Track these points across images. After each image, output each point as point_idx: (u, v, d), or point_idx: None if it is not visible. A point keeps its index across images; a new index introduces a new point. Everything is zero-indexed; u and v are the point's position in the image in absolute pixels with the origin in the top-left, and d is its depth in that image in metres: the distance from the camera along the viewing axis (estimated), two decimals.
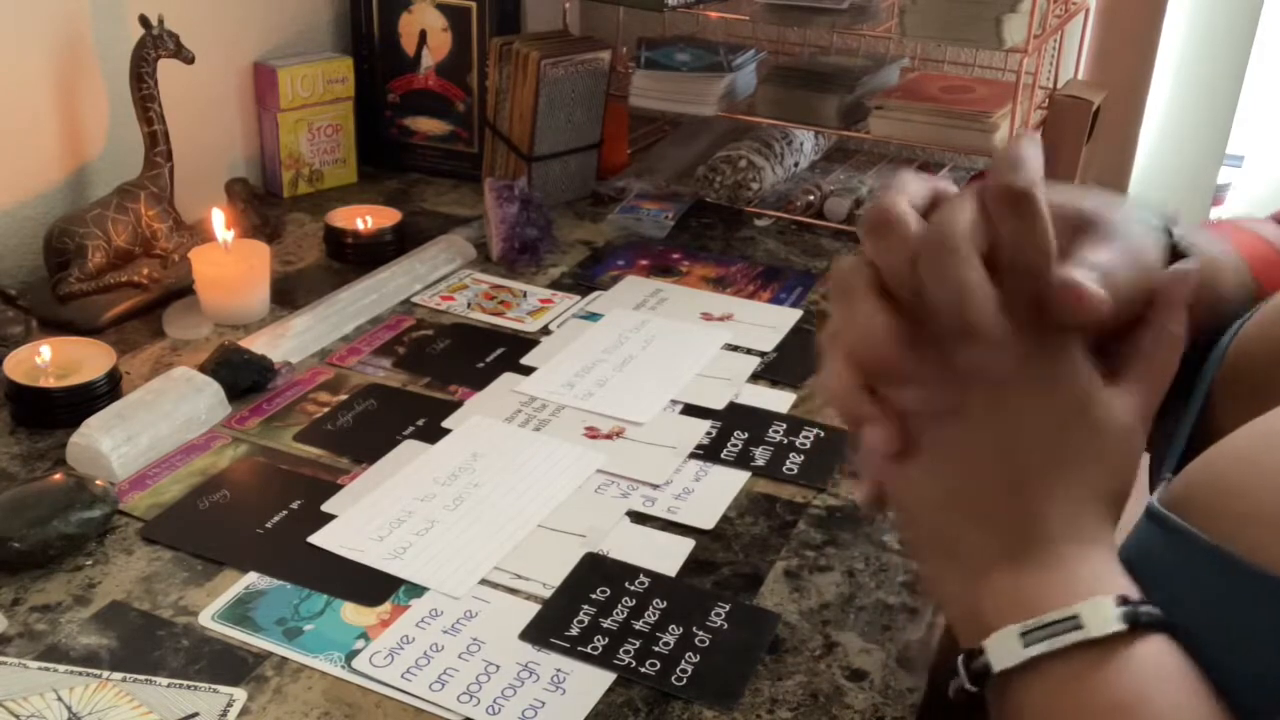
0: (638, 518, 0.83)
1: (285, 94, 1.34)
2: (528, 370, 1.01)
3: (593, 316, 1.11)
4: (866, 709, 0.66)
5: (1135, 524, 0.56)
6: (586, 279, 1.20)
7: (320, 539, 0.79)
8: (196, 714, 0.64)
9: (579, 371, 1.01)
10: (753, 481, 0.87)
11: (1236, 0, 1.36)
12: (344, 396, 0.96)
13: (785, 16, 1.32)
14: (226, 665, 0.68)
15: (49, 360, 0.93)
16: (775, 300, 1.16)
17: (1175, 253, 0.56)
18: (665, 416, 0.95)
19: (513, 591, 0.75)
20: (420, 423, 0.93)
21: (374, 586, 0.75)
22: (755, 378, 1.02)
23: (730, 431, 0.93)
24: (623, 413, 0.95)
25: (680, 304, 1.14)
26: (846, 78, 1.36)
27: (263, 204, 1.27)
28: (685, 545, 0.80)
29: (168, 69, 1.12)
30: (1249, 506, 0.48)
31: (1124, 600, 0.45)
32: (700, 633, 0.71)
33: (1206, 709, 0.44)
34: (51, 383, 0.91)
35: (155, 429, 0.88)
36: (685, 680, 0.68)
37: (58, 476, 0.79)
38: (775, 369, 1.03)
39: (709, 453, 0.90)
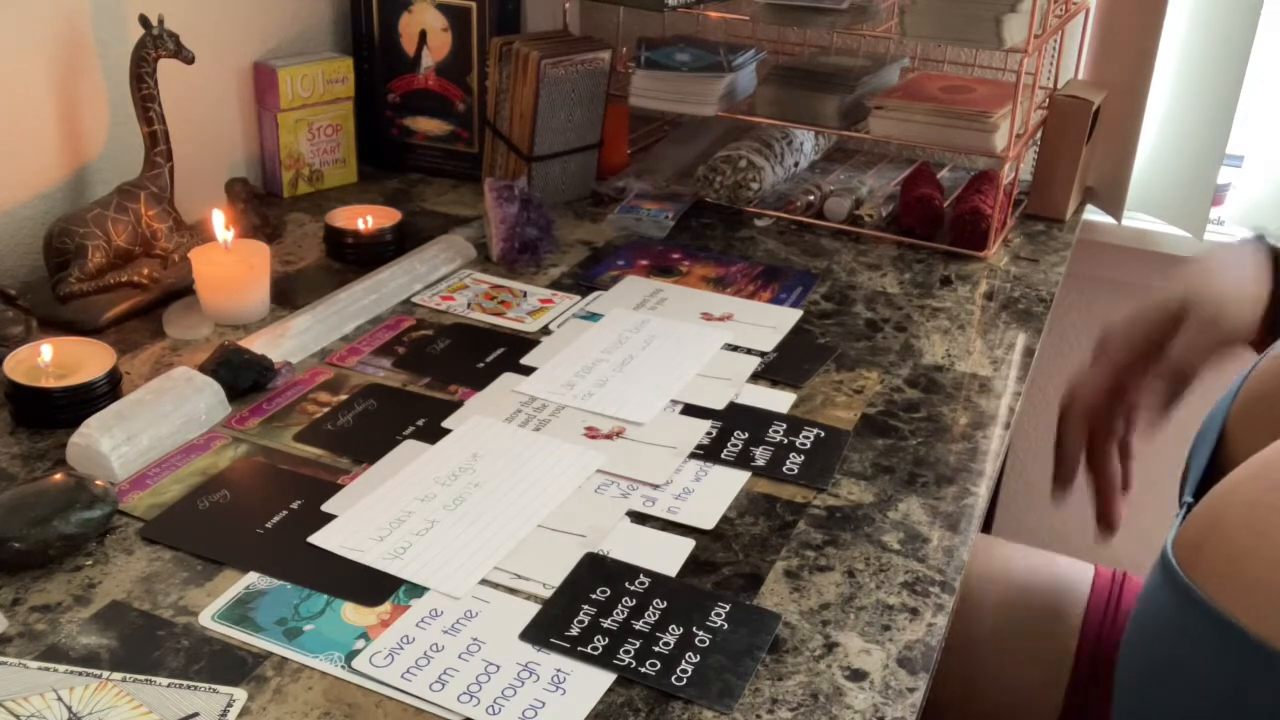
0: (638, 518, 0.83)
1: (285, 94, 1.34)
2: (528, 370, 1.01)
3: (593, 316, 1.11)
4: (866, 709, 0.66)
5: (1153, 565, 0.57)
6: (586, 279, 1.20)
7: (320, 539, 0.79)
8: (196, 714, 0.64)
9: (579, 371, 1.01)
10: (753, 481, 0.87)
11: (1236, 0, 1.35)
12: (344, 396, 0.96)
13: (785, 16, 1.32)
14: (226, 665, 0.68)
15: (49, 360, 0.93)
16: (775, 300, 1.16)
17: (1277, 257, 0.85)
18: (665, 416, 0.95)
19: (513, 591, 0.75)
20: (420, 423, 0.93)
21: (374, 586, 0.75)
22: (755, 378, 1.02)
23: (730, 431, 0.93)
24: (623, 413, 0.95)
25: (680, 304, 1.14)
26: (846, 78, 1.36)
27: (263, 204, 1.27)
28: (685, 545, 0.80)
29: (168, 69, 1.12)
30: (1257, 574, 0.49)
31: None
32: (700, 633, 0.71)
33: None
34: (51, 383, 0.91)
35: (155, 429, 0.88)
36: (685, 680, 0.68)
37: (58, 476, 0.79)
38: (775, 369, 1.03)
39: (709, 453, 0.90)
